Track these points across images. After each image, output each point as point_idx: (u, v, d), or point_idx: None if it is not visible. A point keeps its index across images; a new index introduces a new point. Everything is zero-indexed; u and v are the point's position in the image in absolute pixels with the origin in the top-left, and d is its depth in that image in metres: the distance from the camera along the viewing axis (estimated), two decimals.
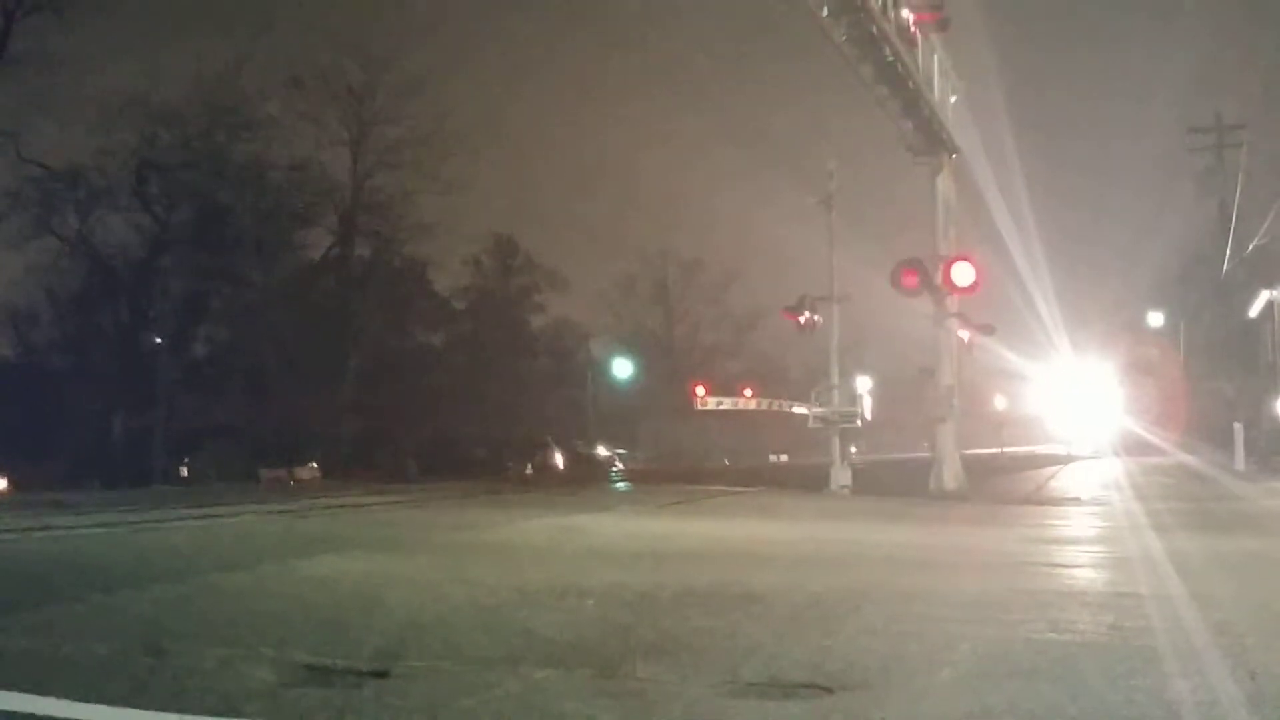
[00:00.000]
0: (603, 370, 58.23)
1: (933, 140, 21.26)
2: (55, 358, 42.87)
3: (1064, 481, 23.98)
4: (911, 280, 20.33)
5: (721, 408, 41.23)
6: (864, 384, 24.33)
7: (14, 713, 4.11)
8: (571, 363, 59.10)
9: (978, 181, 22.75)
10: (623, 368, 57.11)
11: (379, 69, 45.71)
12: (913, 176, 22.40)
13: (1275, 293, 31.85)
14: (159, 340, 40.90)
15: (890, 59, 18.65)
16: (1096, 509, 17.33)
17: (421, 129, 45.82)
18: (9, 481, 31.60)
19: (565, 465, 52.26)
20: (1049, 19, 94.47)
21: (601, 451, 58.22)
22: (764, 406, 41.28)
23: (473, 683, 4.63)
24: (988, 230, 22.83)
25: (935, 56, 20.82)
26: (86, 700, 4.28)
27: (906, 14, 18.98)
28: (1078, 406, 24.50)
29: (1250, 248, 32.32)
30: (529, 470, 48.00)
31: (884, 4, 18.13)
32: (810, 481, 23.91)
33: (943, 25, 20.07)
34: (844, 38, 18.09)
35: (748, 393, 41.43)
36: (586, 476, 37.25)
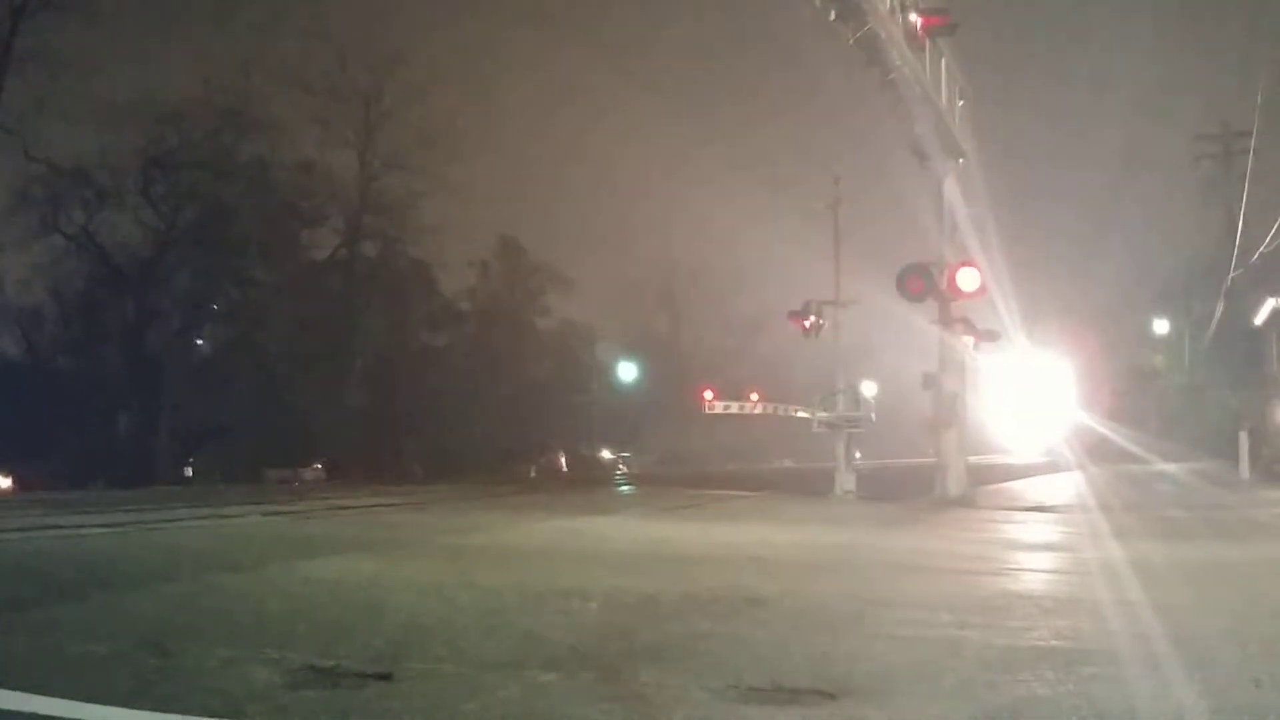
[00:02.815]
0: (608, 373, 58.22)
1: (939, 145, 21.23)
2: (60, 357, 42.99)
3: (1066, 489, 23.95)
4: (917, 285, 20.31)
5: (729, 411, 41.20)
6: (869, 389, 24.28)
7: (16, 712, 4.11)
8: (577, 366, 59.08)
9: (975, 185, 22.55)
10: (628, 371, 57.07)
11: (386, 71, 45.91)
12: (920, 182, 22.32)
13: None
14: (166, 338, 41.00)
15: (898, 63, 18.63)
16: (1103, 516, 17.29)
17: (428, 131, 46.02)
18: (14, 480, 31.71)
19: (569, 468, 52.33)
20: (1052, 23, 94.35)
21: (606, 454, 58.26)
22: (770, 411, 41.24)
23: (475, 685, 4.63)
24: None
25: (942, 61, 20.79)
26: (89, 700, 4.29)
27: (914, 18, 18.95)
28: (1033, 407, 22.60)
29: (1257, 255, 32.22)
30: (533, 473, 48.08)
31: (892, 8, 18.12)
32: (815, 486, 23.91)
33: (950, 29, 20.02)
34: (851, 42, 18.07)
35: (754, 397, 41.32)
36: (591, 479, 37.27)
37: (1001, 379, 21.42)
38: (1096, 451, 37.56)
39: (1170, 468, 31.39)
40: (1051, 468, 35.15)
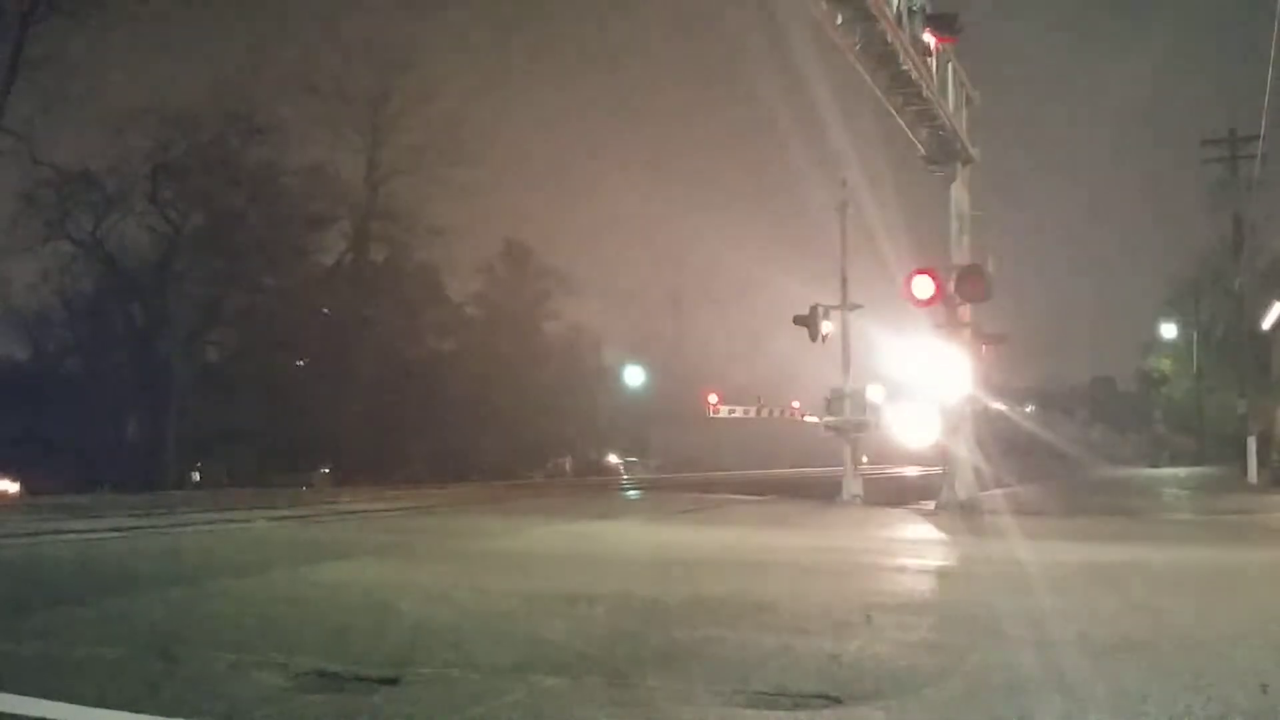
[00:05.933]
0: (615, 378, 58.25)
1: (947, 149, 21.20)
2: (68, 361, 43.14)
3: (1072, 494, 23.88)
4: (924, 290, 20.26)
5: (734, 415, 41.21)
6: (876, 393, 24.14)
7: (24, 716, 4.12)
8: (583, 370, 59.13)
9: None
10: (634, 375, 57.12)
11: (394, 74, 46.00)
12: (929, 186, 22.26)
13: None
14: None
15: (904, 68, 18.61)
16: (1108, 521, 17.26)
17: (436, 134, 46.10)
18: (21, 485, 31.76)
19: (576, 472, 52.35)
20: (1059, 28, 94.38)
21: (613, 459, 58.27)
22: (775, 415, 41.27)
23: (482, 690, 4.63)
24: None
25: (949, 66, 20.78)
26: (96, 705, 4.30)
27: (927, 37, 18.94)
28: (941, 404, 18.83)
29: (1265, 258, 32.21)
30: (540, 477, 48.11)
31: (898, 14, 18.09)
32: (821, 491, 23.85)
33: (956, 30, 19.98)
34: (857, 48, 18.05)
35: (760, 401, 41.23)
36: (597, 484, 37.25)
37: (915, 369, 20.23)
38: (1036, 461, 34.57)
39: (1181, 472, 31.29)
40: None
